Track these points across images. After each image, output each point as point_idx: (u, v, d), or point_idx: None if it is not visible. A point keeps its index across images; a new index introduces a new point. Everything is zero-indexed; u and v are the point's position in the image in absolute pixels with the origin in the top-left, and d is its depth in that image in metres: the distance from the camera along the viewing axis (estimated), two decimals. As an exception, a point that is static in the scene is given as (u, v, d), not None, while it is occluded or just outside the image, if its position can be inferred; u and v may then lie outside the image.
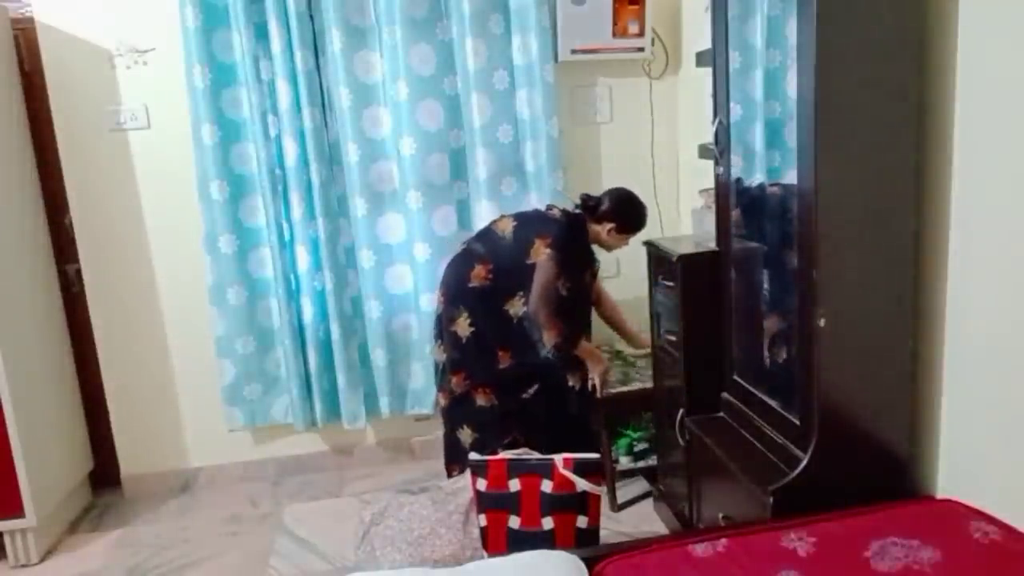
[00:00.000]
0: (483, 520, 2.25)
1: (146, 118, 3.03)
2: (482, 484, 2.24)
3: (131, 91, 3.00)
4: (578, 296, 2.67)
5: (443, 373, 2.74)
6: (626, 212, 2.70)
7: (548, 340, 2.57)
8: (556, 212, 2.70)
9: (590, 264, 2.76)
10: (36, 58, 2.94)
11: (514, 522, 2.20)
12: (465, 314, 2.62)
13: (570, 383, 2.72)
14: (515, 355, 2.64)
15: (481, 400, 2.68)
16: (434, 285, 2.90)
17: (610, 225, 2.68)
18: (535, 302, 2.55)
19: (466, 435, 2.73)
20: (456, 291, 2.64)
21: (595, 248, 2.77)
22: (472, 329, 2.62)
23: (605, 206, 2.68)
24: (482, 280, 2.60)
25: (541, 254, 2.55)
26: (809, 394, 1.86)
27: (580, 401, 2.76)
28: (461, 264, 2.67)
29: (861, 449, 1.88)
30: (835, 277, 1.78)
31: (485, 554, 2.34)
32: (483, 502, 2.25)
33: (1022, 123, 1.59)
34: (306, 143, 3.00)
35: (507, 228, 2.65)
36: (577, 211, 2.71)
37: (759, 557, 1.61)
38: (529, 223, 2.65)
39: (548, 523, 2.17)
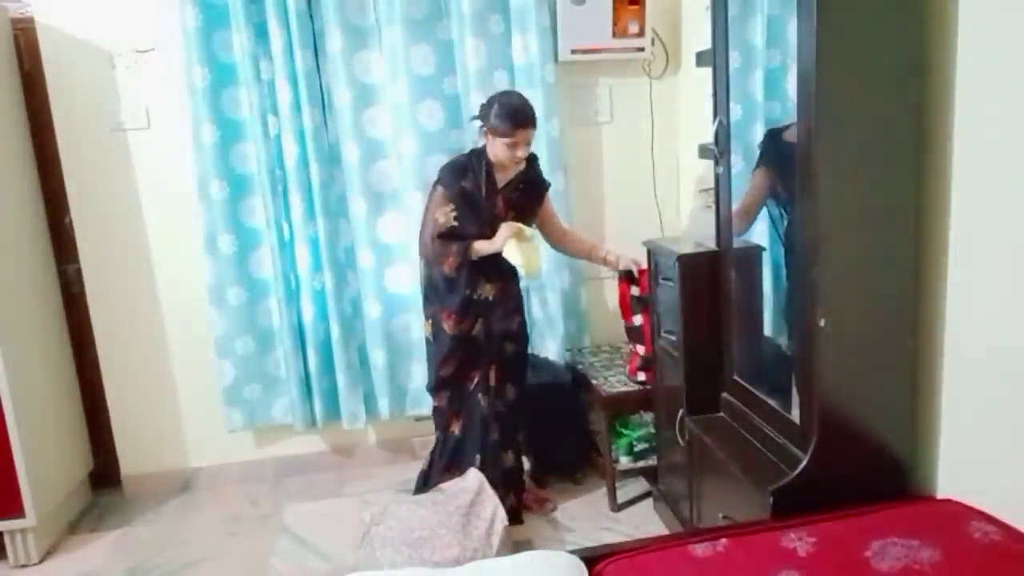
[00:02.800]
0: None
1: (146, 118, 3.03)
2: None
3: (131, 91, 3.00)
4: (477, 223, 2.62)
5: (427, 345, 2.80)
6: (492, 111, 2.56)
7: (447, 268, 2.61)
8: (456, 155, 2.74)
9: (488, 190, 2.63)
10: (36, 58, 2.94)
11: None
12: (423, 263, 2.76)
13: (489, 297, 2.68)
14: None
15: (448, 329, 2.68)
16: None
17: (485, 129, 2.59)
18: (423, 234, 2.66)
19: (456, 427, 2.76)
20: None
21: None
22: (425, 272, 2.75)
23: (483, 113, 2.60)
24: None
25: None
26: (809, 394, 1.86)
27: (510, 312, 2.74)
28: None
29: (861, 449, 1.88)
30: (835, 277, 1.78)
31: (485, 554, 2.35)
32: None
33: (1022, 123, 1.59)
34: (306, 143, 3.00)
35: None
36: (480, 147, 2.68)
37: (759, 557, 1.61)
38: None
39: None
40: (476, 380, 2.71)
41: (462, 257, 2.59)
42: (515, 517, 2.76)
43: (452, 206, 2.59)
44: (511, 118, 2.54)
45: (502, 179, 2.66)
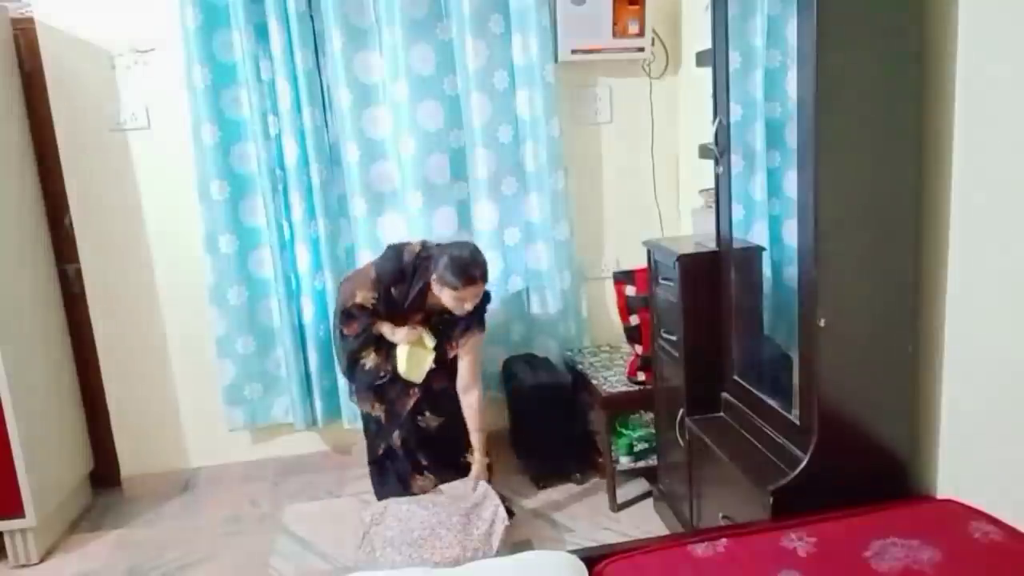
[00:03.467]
0: None
1: (146, 118, 3.03)
2: None
3: (131, 91, 3.00)
4: (389, 315, 2.73)
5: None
6: (444, 267, 2.59)
7: (348, 332, 2.77)
8: (408, 251, 2.74)
9: (412, 306, 2.72)
10: (36, 58, 2.94)
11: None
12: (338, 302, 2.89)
13: (381, 373, 2.78)
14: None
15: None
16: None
17: (434, 278, 2.63)
18: (341, 289, 2.82)
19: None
20: None
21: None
22: None
23: (433, 265, 2.63)
24: None
25: None
26: (809, 394, 1.86)
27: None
28: None
29: (861, 449, 1.88)
30: (835, 277, 1.78)
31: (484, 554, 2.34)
32: None
33: (1022, 123, 1.59)
34: (306, 143, 3.00)
35: None
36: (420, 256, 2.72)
37: (759, 557, 1.61)
38: None
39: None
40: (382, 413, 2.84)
41: (364, 331, 2.73)
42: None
43: (374, 297, 2.68)
44: (461, 274, 2.57)
45: (434, 301, 2.71)
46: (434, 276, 2.62)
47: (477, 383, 2.80)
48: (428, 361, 2.75)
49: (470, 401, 2.79)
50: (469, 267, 2.59)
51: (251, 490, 3.25)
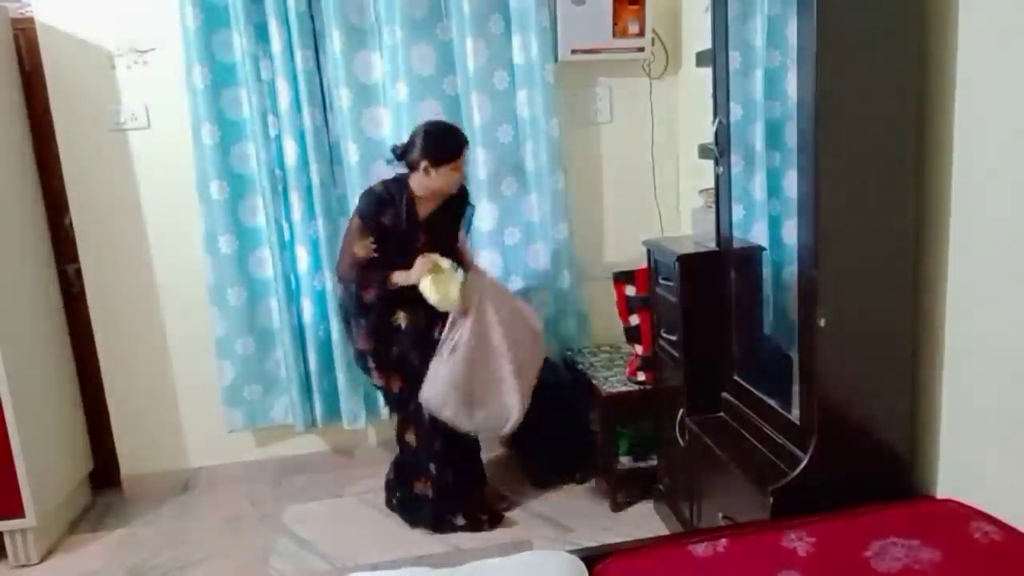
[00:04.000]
0: None
1: (146, 118, 3.03)
2: None
3: (131, 91, 3.00)
4: (396, 254, 2.62)
5: None
6: (430, 142, 2.56)
7: (366, 298, 2.64)
8: (376, 184, 2.70)
9: (409, 225, 2.64)
10: (36, 58, 2.94)
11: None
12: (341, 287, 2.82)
13: (401, 325, 2.70)
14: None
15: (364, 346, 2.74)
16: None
17: (423, 163, 2.56)
18: (340, 260, 2.68)
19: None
20: None
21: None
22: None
23: (413, 149, 2.58)
24: None
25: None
26: (809, 394, 1.86)
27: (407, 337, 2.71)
28: None
29: (861, 449, 1.88)
30: (835, 277, 1.78)
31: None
32: None
33: (1022, 122, 1.59)
34: (306, 143, 3.00)
35: None
36: (400, 175, 2.68)
37: (759, 557, 1.61)
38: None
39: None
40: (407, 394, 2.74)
41: (380, 288, 2.62)
42: (495, 519, 2.84)
43: (371, 239, 2.59)
44: (454, 140, 2.59)
45: (424, 211, 2.67)
46: (418, 162, 2.56)
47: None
48: (456, 282, 2.60)
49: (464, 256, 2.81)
50: (457, 133, 2.62)
51: (251, 490, 3.25)
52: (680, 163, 3.36)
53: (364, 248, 2.60)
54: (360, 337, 2.73)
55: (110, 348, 3.16)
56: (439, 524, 2.80)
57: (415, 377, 2.65)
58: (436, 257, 2.61)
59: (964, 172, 1.75)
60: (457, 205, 2.77)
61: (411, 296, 2.60)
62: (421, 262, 2.58)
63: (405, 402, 2.75)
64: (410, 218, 2.64)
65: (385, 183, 2.67)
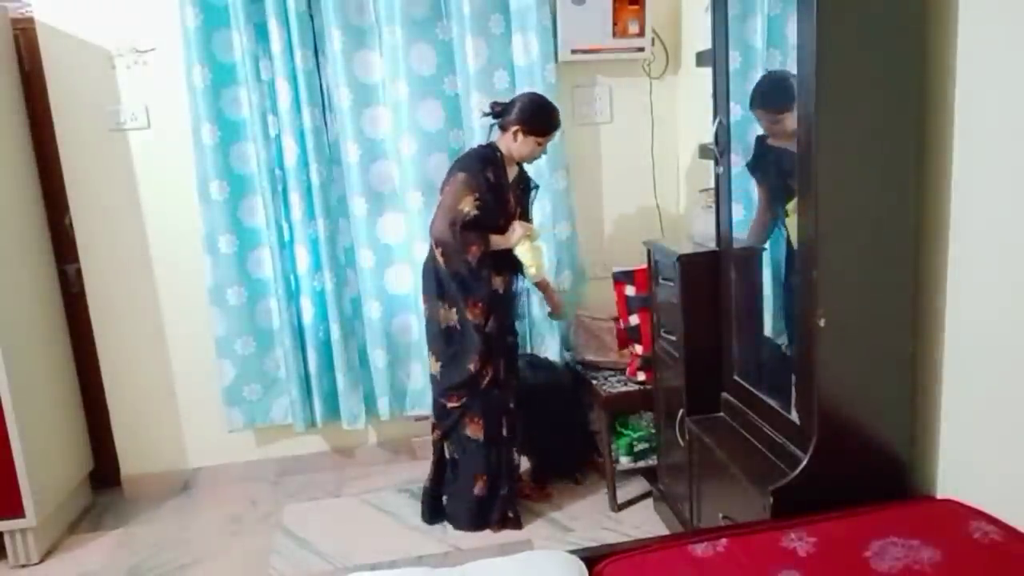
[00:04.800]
0: None
1: (146, 118, 3.03)
2: None
3: (131, 91, 3.00)
4: (494, 216, 2.64)
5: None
6: (530, 112, 2.63)
7: (471, 257, 2.58)
8: (473, 147, 2.79)
9: (505, 185, 2.69)
10: (36, 58, 2.94)
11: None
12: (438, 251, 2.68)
13: (499, 290, 2.68)
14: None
15: (474, 318, 2.64)
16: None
17: (515, 127, 2.63)
18: (438, 222, 2.60)
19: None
20: None
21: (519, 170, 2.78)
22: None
23: (511, 112, 2.65)
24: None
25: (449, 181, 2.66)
26: (809, 394, 1.86)
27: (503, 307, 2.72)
28: None
29: (861, 449, 1.88)
30: (835, 277, 1.78)
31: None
32: None
33: (1022, 122, 1.59)
34: (306, 143, 3.00)
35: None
36: (487, 143, 2.75)
37: (759, 557, 1.61)
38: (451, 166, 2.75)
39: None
40: (489, 376, 2.68)
41: (485, 247, 2.60)
42: (515, 523, 2.80)
43: (476, 195, 2.57)
44: (551, 118, 2.66)
45: (510, 175, 2.73)
46: (511, 125, 2.63)
47: None
48: (543, 251, 2.74)
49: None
50: (556, 112, 2.69)
51: (251, 490, 3.25)
52: (680, 163, 3.36)
53: (470, 203, 2.56)
54: (470, 307, 2.62)
55: (110, 348, 3.16)
56: (490, 522, 2.77)
57: (495, 353, 2.68)
58: (532, 226, 2.73)
59: (964, 172, 1.75)
60: (527, 182, 2.83)
61: (504, 263, 2.67)
62: (520, 227, 2.65)
63: (475, 385, 2.67)
64: (505, 179, 2.69)
65: (481, 146, 2.74)
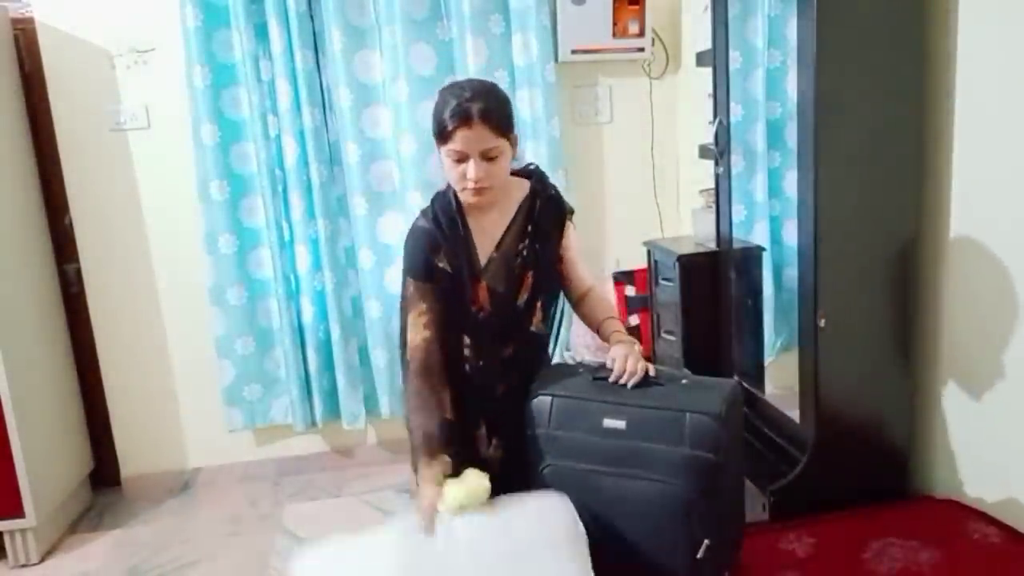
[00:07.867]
0: None
1: (146, 118, 3.03)
2: None
3: (131, 91, 3.00)
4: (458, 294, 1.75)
5: None
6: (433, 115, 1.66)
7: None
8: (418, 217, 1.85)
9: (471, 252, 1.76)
10: (36, 58, 2.94)
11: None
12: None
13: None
14: None
15: None
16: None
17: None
18: (401, 334, 1.79)
19: None
20: None
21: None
22: None
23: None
24: None
25: None
26: (809, 394, 1.86)
27: None
28: None
29: (861, 449, 1.88)
30: (835, 277, 1.78)
31: None
32: None
33: (1022, 122, 1.59)
34: (306, 143, 3.00)
35: None
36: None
37: (759, 557, 1.61)
38: None
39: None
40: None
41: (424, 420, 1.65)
42: None
43: (425, 307, 1.70)
44: (441, 110, 1.61)
45: (492, 232, 1.76)
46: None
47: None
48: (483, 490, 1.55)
49: (590, 298, 1.95)
50: (445, 93, 1.64)
51: (251, 490, 3.24)
52: (680, 163, 3.35)
53: (416, 326, 1.71)
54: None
55: (110, 348, 3.16)
56: None
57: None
58: (485, 485, 1.55)
59: (964, 172, 1.75)
60: (545, 213, 1.81)
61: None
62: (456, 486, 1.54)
63: None
64: (468, 236, 1.75)
65: (426, 212, 1.81)
